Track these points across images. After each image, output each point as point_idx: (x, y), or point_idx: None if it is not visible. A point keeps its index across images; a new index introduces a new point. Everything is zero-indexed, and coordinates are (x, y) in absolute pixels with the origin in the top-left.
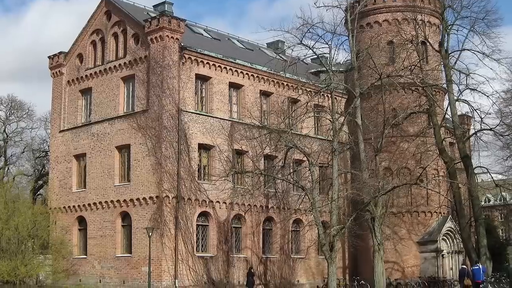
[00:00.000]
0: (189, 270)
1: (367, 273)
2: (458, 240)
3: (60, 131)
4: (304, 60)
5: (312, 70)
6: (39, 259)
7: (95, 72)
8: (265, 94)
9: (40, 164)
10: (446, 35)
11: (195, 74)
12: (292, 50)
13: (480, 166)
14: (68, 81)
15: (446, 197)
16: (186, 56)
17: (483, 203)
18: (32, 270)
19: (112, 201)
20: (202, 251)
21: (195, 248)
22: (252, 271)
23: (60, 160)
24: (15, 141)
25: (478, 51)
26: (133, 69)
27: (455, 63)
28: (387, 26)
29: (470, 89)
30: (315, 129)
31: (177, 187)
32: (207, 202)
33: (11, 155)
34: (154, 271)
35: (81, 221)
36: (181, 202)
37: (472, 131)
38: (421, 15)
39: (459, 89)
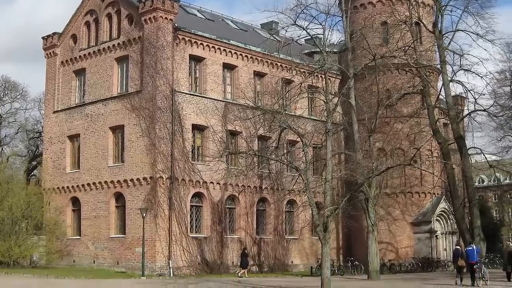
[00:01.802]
0: (183, 251)
1: (361, 254)
2: (452, 221)
3: (54, 112)
4: (298, 41)
5: (306, 51)
6: (33, 240)
7: (89, 53)
8: (259, 74)
9: (34, 145)
10: (440, 15)
11: (189, 54)
12: (286, 31)
13: (474, 147)
14: (62, 62)
15: (440, 178)
16: (180, 37)
17: (477, 184)
18: (26, 251)
19: (106, 182)
20: (196, 232)
21: (189, 229)
22: (246, 252)
23: (54, 141)
24: (8, 122)
25: (472, 32)
26: (127, 50)
27: (449, 43)
28: (380, 7)
29: (464, 69)
30: (309, 110)
31: (171, 168)
32: (201, 183)
33: (5, 136)
34: (148, 252)
35: (75, 201)
36: (175, 183)
37: (466, 112)
38: None
39: (453, 70)
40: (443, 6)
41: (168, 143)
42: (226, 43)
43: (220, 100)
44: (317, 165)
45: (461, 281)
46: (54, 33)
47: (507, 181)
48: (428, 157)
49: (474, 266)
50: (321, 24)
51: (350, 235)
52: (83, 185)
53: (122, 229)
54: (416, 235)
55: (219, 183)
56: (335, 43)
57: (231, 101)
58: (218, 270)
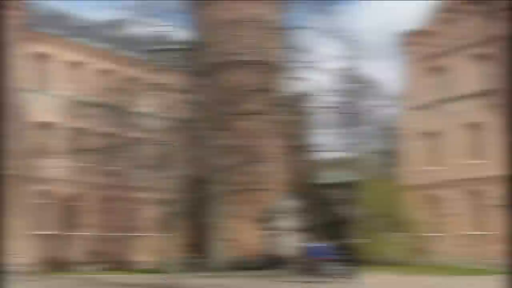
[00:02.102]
0: (28, 248)
1: (206, 250)
2: (298, 218)
3: None
4: (145, 38)
5: (153, 48)
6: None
7: None
8: (105, 71)
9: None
10: (286, 13)
11: (34, 52)
12: (133, 28)
13: (319, 144)
14: None
15: (285, 175)
16: (25, 34)
17: (321, 180)
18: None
19: None
20: (42, 229)
21: (34, 226)
22: (94, 249)
23: None
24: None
25: (317, 29)
26: None
27: (294, 41)
28: (229, 4)
29: (309, 67)
30: (155, 107)
31: (16, 165)
32: (47, 180)
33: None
34: None
35: None
36: (20, 180)
37: (311, 109)
38: None
39: (297, 67)
40: (290, 3)
41: (13, 140)
42: (71, 40)
43: (66, 97)
44: (163, 162)
45: (307, 278)
46: None
47: (352, 178)
48: (274, 155)
49: (320, 263)
50: (169, 21)
51: (196, 232)
52: None
53: None
54: (262, 232)
55: (65, 180)
56: (183, 40)
57: (77, 98)
58: (64, 267)
